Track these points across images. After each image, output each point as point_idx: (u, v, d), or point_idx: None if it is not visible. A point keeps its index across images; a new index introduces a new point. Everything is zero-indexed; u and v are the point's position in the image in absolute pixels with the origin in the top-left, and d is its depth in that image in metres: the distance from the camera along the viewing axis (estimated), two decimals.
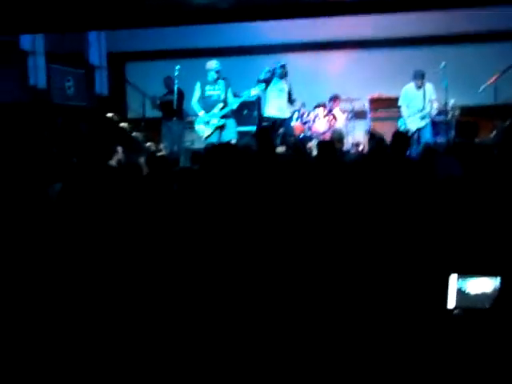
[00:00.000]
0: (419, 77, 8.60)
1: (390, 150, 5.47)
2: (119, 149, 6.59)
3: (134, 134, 10.85)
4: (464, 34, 10.24)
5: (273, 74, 8.82)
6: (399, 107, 8.91)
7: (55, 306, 2.55)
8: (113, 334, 2.47)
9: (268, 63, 9.16)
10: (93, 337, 2.45)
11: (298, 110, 9.26)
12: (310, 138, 9.06)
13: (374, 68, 10.40)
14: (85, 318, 2.50)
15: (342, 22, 9.74)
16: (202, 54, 9.97)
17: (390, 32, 10.31)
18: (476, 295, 2.43)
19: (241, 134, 9.50)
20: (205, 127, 8.28)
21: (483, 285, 2.44)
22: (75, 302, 2.56)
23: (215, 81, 8.27)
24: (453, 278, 2.45)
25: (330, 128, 9.24)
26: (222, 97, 8.25)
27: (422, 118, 8.65)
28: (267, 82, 8.80)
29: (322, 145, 5.54)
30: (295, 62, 8.89)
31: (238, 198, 3.04)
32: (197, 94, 8.35)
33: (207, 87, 8.31)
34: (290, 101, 9.02)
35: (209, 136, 8.24)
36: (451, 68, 8.69)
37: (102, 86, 11.03)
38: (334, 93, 9.57)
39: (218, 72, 8.24)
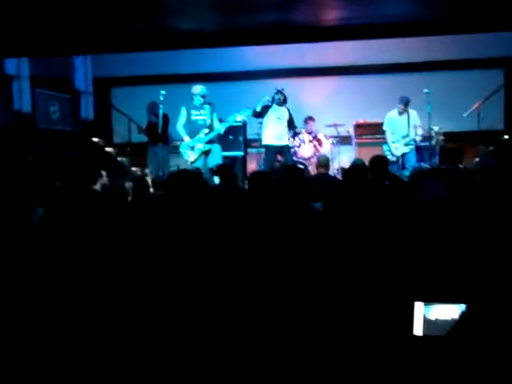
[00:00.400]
0: (402, 103, 8.71)
1: (370, 173, 5.45)
2: (103, 173, 6.56)
3: (119, 158, 10.81)
4: (448, 60, 10.38)
5: (272, 101, 8.82)
6: (384, 133, 8.99)
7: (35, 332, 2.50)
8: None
9: (253, 89, 9.22)
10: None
11: None
12: (295, 164, 9.05)
13: (358, 94, 10.49)
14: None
15: (328, 48, 9.85)
16: (187, 79, 10.00)
17: (375, 58, 10.43)
18: (442, 322, 2.41)
19: (228, 160, 9.51)
20: (190, 152, 8.25)
21: (449, 312, 2.42)
22: (56, 330, 2.51)
23: (201, 105, 8.28)
24: (418, 306, 2.42)
25: (315, 153, 9.27)
26: (208, 122, 8.25)
27: (406, 144, 8.73)
28: (266, 109, 8.81)
29: (289, 169, 5.55)
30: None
31: (195, 226, 3.02)
32: (182, 118, 8.34)
33: (193, 112, 8.30)
34: (292, 127, 9.02)
35: (194, 161, 8.22)
36: (435, 94, 8.80)
37: (87, 110, 11.03)
38: (307, 115, 9.64)
39: (203, 97, 8.25)
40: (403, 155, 8.77)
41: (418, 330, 2.42)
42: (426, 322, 2.42)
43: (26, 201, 4.84)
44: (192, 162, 8.21)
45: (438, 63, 10.38)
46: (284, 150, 8.89)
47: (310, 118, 9.67)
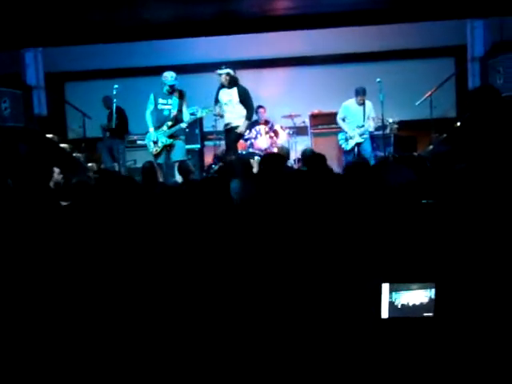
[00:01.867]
0: (361, 93, 8.79)
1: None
2: (56, 170, 6.42)
3: (74, 154, 10.65)
4: (400, 50, 10.54)
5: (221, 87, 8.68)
6: (337, 122, 9.10)
7: None
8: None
9: (207, 81, 9.17)
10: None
11: None
12: (252, 155, 9.06)
13: (313, 84, 10.57)
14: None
15: (281, 39, 9.88)
16: (141, 72, 9.93)
17: (328, 49, 10.53)
18: (410, 305, 2.44)
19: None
20: (153, 145, 8.10)
21: (417, 295, 2.45)
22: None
23: (168, 94, 8.09)
24: (384, 288, 2.44)
25: (271, 144, 9.29)
26: (173, 113, 8.05)
27: (361, 134, 8.83)
28: (216, 95, 8.65)
29: (266, 157, 5.51)
30: None
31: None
32: (150, 105, 8.13)
33: (160, 100, 8.09)
34: (247, 106, 8.62)
35: (158, 154, 8.08)
36: (388, 83, 8.93)
37: (40, 106, 10.81)
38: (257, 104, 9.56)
39: (171, 86, 8.02)
40: (358, 145, 8.87)
41: (384, 312, 2.45)
42: (391, 305, 2.44)
43: None
44: (155, 156, 8.06)
45: (389, 53, 10.53)
46: (229, 130, 8.69)
47: (261, 107, 9.68)
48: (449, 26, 9.59)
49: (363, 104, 8.86)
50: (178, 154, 8.08)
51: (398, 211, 3.25)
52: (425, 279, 2.47)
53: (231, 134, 8.70)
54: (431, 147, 9.49)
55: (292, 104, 10.23)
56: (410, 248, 2.78)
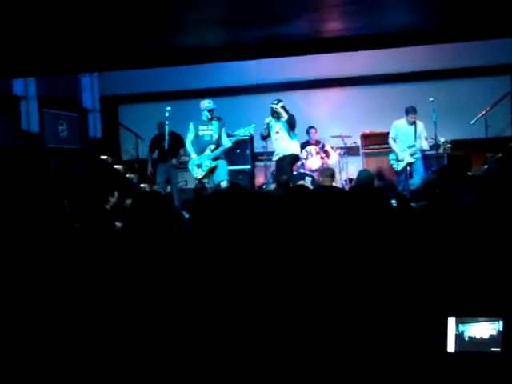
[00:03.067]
0: (412, 112, 8.67)
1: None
2: (116, 194, 6.47)
3: (128, 175, 10.87)
4: (453, 69, 10.37)
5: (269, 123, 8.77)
6: (388, 141, 8.99)
7: None
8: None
9: (258, 102, 9.24)
10: None
11: None
12: (303, 176, 9.05)
13: (364, 104, 10.48)
14: None
15: (331, 59, 9.86)
16: (193, 95, 10.07)
17: (379, 69, 10.44)
18: (477, 338, 2.36)
19: (235, 173, 9.55)
20: (197, 169, 8.33)
21: (484, 328, 2.36)
22: None
23: (209, 120, 8.33)
24: (451, 321, 2.37)
25: (323, 165, 9.27)
26: (215, 137, 8.29)
27: (412, 154, 8.68)
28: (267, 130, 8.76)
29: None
30: (286, 101, 8.92)
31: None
32: (190, 134, 8.41)
33: (200, 127, 8.36)
34: (292, 129, 8.68)
35: (202, 178, 8.30)
36: (442, 102, 8.79)
37: (95, 128, 11.13)
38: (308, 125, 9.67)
39: (210, 111, 8.29)
40: (409, 165, 8.72)
41: (450, 346, 2.37)
42: (458, 338, 2.36)
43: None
44: (200, 179, 8.30)
45: (442, 72, 10.36)
46: (278, 162, 8.74)
47: (312, 127, 9.74)
48: (503, 44, 9.37)
49: (414, 123, 8.73)
50: (222, 175, 8.26)
51: (465, 237, 3.12)
52: (492, 313, 2.38)
53: (286, 157, 8.72)
54: (485, 166, 9.28)
55: (343, 124, 10.18)
56: (476, 279, 2.67)
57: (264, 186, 9.46)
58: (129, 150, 10.96)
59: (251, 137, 9.99)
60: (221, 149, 8.28)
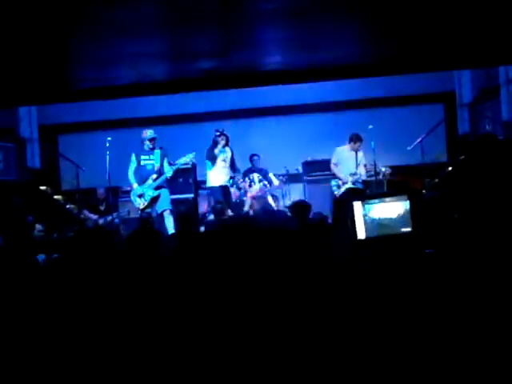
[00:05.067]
0: (358, 140, 8.81)
1: None
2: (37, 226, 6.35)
3: (67, 206, 10.63)
4: (390, 96, 10.69)
5: (215, 144, 8.82)
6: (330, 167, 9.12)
7: None
8: None
9: (199, 131, 9.24)
10: None
11: (233, 177, 9.31)
12: (244, 203, 9.14)
13: (305, 132, 10.66)
14: None
15: (272, 89, 9.97)
16: (135, 123, 10.00)
17: (319, 97, 10.68)
18: (386, 220, 2.25)
19: (177, 203, 9.47)
20: (140, 199, 8.25)
21: (392, 208, 2.27)
22: None
23: (150, 150, 8.27)
24: (357, 205, 2.28)
25: (265, 192, 9.35)
26: (157, 167, 8.25)
27: (353, 182, 8.82)
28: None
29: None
30: (229, 129, 8.99)
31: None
32: (132, 164, 8.33)
33: (142, 157, 8.30)
34: (233, 169, 9.04)
35: (145, 208, 8.22)
36: (380, 129, 8.99)
37: (33, 159, 10.86)
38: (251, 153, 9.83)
39: (152, 141, 8.24)
40: None
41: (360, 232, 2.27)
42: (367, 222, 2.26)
43: None
44: (143, 209, 8.22)
45: (380, 100, 10.66)
46: (226, 190, 8.96)
47: (255, 155, 9.88)
48: (437, 74, 9.74)
49: (357, 151, 8.88)
50: (165, 204, 8.21)
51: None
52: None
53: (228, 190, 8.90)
54: (424, 192, 9.50)
55: (285, 152, 10.30)
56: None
57: (207, 214, 9.45)
58: (69, 179, 10.74)
59: (194, 165, 9.93)
60: (162, 178, 8.23)
